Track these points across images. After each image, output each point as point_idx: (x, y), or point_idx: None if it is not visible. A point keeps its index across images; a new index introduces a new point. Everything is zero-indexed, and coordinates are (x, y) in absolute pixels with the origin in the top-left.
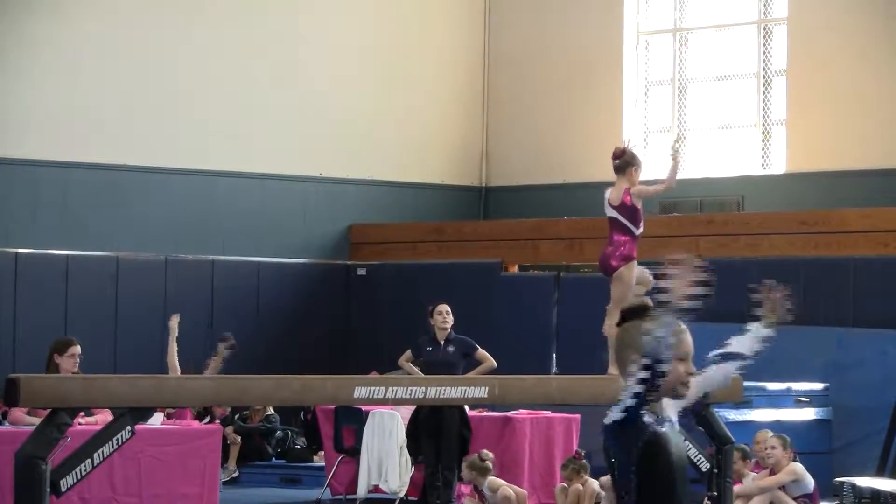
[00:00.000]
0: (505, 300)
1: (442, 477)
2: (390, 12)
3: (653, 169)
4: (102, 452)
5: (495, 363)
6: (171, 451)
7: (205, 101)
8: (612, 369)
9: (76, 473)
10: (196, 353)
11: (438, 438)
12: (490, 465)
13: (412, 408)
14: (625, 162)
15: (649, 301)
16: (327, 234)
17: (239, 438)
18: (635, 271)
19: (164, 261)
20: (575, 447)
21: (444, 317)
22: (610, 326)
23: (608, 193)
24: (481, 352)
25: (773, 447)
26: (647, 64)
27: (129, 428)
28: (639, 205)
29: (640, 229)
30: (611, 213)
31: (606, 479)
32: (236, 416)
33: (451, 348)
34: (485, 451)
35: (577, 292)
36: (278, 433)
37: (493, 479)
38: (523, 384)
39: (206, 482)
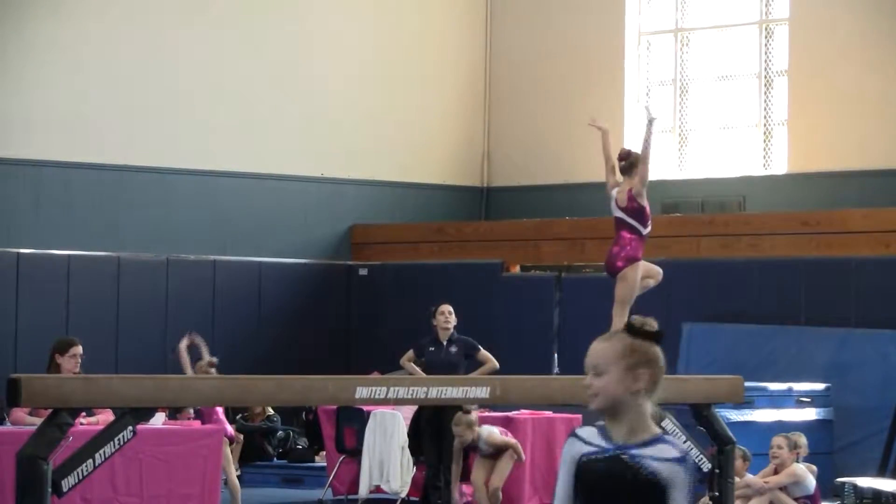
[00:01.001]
0: (506, 300)
1: (443, 477)
2: (392, 13)
3: (655, 170)
4: (104, 453)
5: (497, 364)
6: (172, 452)
7: (205, 101)
8: None
9: (78, 473)
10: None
11: (440, 439)
12: (476, 416)
13: (414, 408)
14: (630, 163)
15: (652, 323)
16: (329, 235)
17: (241, 437)
18: (643, 266)
19: (166, 261)
20: None
21: (446, 317)
22: (615, 327)
23: (614, 193)
24: (483, 353)
25: (778, 447)
26: (648, 64)
27: (130, 428)
28: (645, 203)
29: (648, 229)
30: (618, 213)
31: None
32: (238, 416)
33: (453, 349)
34: (465, 406)
35: (579, 292)
36: (280, 433)
37: (489, 434)
38: (525, 384)
39: (206, 482)
